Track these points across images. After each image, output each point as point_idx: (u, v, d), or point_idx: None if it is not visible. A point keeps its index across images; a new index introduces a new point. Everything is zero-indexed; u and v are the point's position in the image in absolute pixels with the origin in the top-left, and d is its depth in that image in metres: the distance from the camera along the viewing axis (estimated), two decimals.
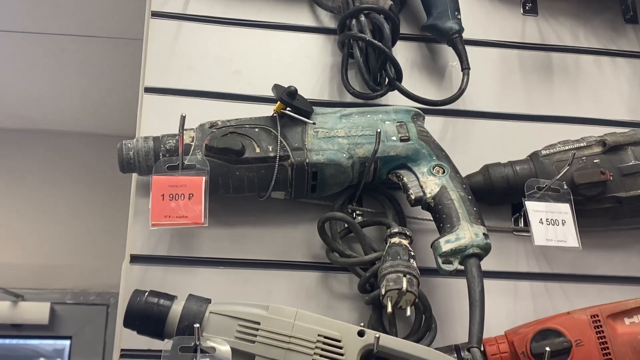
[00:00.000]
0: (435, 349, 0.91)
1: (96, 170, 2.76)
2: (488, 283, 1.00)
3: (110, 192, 2.74)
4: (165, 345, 0.79)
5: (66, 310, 2.65)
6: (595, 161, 0.99)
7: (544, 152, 1.02)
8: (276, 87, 0.96)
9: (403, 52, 1.14)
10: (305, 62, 1.12)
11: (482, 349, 0.89)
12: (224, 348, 0.77)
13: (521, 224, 1.05)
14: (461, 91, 1.07)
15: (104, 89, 2.46)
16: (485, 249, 0.89)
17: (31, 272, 2.66)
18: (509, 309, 1.01)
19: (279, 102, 0.95)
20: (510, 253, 1.05)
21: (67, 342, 2.61)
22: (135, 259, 0.96)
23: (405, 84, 1.07)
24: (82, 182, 2.76)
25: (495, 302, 1.00)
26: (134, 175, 1.00)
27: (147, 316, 0.81)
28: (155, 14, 1.10)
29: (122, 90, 2.26)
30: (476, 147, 1.10)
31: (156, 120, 1.03)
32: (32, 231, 2.71)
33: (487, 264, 0.97)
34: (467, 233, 0.88)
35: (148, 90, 1.05)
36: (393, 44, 1.06)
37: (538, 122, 1.13)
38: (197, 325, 0.76)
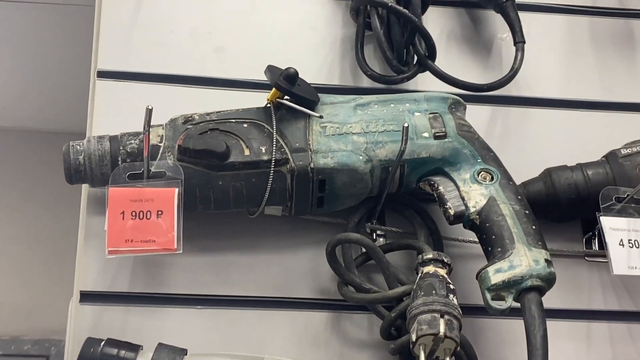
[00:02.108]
0: None
1: (36, 175, 2.79)
2: (552, 324, 1.01)
3: (54, 207, 2.78)
4: None
5: None
6: None
7: (624, 152, 1.04)
8: (270, 70, 0.97)
9: (437, 21, 1.17)
10: (309, 35, 1.15)
11: None
12: None
13: (595, 247, 1.07)
14: (514, 72, 1.10)
15: (46, 71, 2.48)
16: (549, 280, 0.90)
17: None
18: (580, 358, 1.03)
19: (274, 89, 0.96)
20: (581, 285, 1.07)
21: None
22: (86, 297, 0.98)
23: (441, 62, 1.09)
24: (16, 193, 2.80)
25: (562, 349, 1.02)
26: (85, 187, 1.01)
27: None
28: None
29: (70, 70, 2.30)
30: (535, 145, 1.13)
31: (113, 113, 1.06)
32: None
33: (551, 300, 0.98)
34: (524, 259, 0.89)
35: (102, 74, 1.08)
36: (424, 10, 1.09)
37: (617, 112, 1.16)
38: None
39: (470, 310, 0.96)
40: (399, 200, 1.03)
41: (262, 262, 1.02)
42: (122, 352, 0.84)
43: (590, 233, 1.07)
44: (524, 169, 1.06)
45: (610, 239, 0.97)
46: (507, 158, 1.02)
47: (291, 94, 0.96)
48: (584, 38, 1.20)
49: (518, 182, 1.04)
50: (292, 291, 1.01)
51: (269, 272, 1.02)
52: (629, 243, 0.97)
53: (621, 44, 1.20)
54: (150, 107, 0.88)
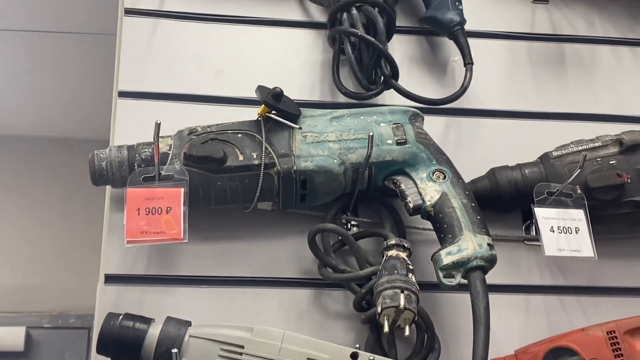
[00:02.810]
0: None
1: (71, 179, 2.78)
2: (497, 297, 1.03)
3: (87, 203, 2.77)
4: None
5: (43, 335, 2.69)
6: (611, 162, 1.01)
7: (555, 154, 1.04)
8: (260, 89, 0.98)
9: (400, 47, 1.16)
10: (294, 59, 1.14)
11: None
12: None
13: (533, 233, 1.06)
14: (463, 89, 1.09)
15: (75, 89, 2.48)
16: (491, 261, 0.91)
17: (3, 294, 2.69)
18: (520, 326, 1.03)
19: (263, 105, 0.97)
20: (521, 264, 1.07)
21: None
22: (110, 279, 0.99)
23: (403, 81, 1.09)
24: (56, 194, 2.79)
25: (506, 318, 1.03)
26: (108, 188, 1.02)
27: (121, 341, 0.83)
28: (129, 12, 1.12)
29: (96, 90, 2.30)
30: (482, 149, 1.12)
31: (131, 127, 1.06)
32: (2, 250, 2.73)
33: (496, 277, 0.99)
34: (470, 244, 0.90)
35: (122, 94, 1.08)
36: (388, 38, 1.09)
37: (550, 120, 1.16)
38: (175, 350, 0.79)
39: (429, 286, 0.97)
40: (369, 196, 1.03)
41: (255, 248, 1.02)
42: (137, 325, 0.85)
43: (529, 221, 1.07)
44: (473, 169, 1.06)
45: (543, 227, 0.97)
46: (459, 160, 1.03)
47: (277, 109, 0.97)
48: (523, 59, 1.19)
49: (468, 180, 1.04)
50: (280, 272, 1.02)
51: (260, 256, 1.02)
52: (558, 229, 0.98)
53: (554, 63, 1.19)
54: (158, 122, 0.90)
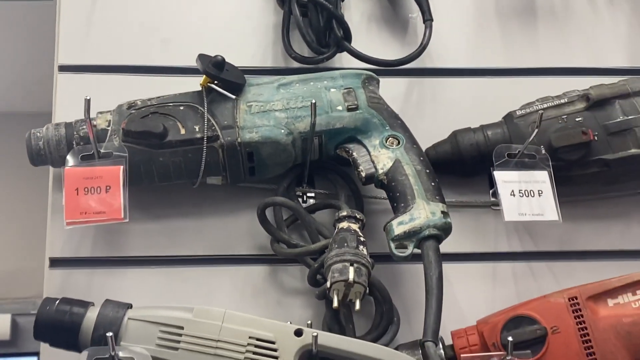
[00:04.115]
0: (398, 345, 0.97)
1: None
2: (463, 266, 1.07)
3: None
4: (81, 357, 0.85)
5: (30, 322, 2.73)
6: (577, 119, 1.04)
7: (519, 113, 1.06)
8: (201, 58, 1.00)
9: (358, 5, 1.18)
10: (245, 23, 1.17)
11: (447, 342, 0.95)
12: (144, 357, 0.83)
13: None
14: (422, 47, 1.11)
15: (15, 60, 2.48)
16: (445, 229, 0.94)
17: None
18: (487, 295, 1.07)
19: (204, 76, 1.00)
20: (488, 231, 1.10)
21: None
22: (55, 262, 1.03)
23: (362, 42, 1.12)
24: (25, 170, 2.83)
25: (472, 288, 1.07)
26: (50, 168, 1.05)
27: (58, 326, 0.87)
28: None
29: (38, 61, 2.30)
30: (446, 111, 1.15)
31: (74, 102, 1.07)
32: None
33: (462, 245, 1.04)
34: (422, 212, 0.93)
35: (63, 68, 1.11)
36: None
37: (520, 77, 1.18)
38: (110, 333, 0.82)
39: (387, 258, 0.98)
40: (324, 166, 1.06)
41: (207, 225, 1.06)
42: (74, 309, 0.88)
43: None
44: (438, 132, 1.09)
45: (503, 190, 1.00)
46: (422, 123, 1.07)
47: (218, 79, 1.00)
48: (489, 12, 1.20)
49: (433, 142, 1.07)
50: (234, 249, 1.06)
51: (212, 233, 1.06)
52: (520, 193, 1.00)
53: (524, 15, 1.20)
54: (88, 98, 0.93)
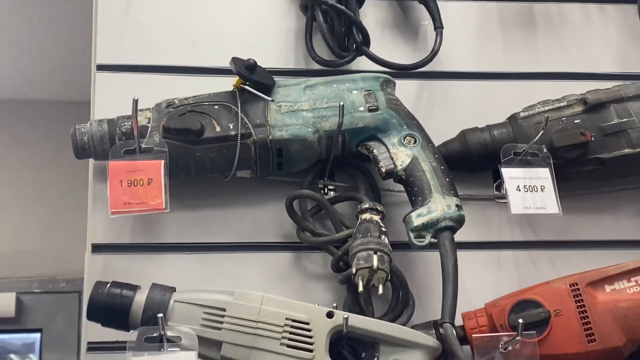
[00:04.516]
0: (413, 325, 1.02)
1: (60, 144, 2.83)
2: (470, 254, 1.11)
3: (74, 169, 2.82)
4: (130, 336, 0.89)
5: (34, 300, 2.75)
6: (576, 121, 1.08)
7: (522, 114, 1.11)
8: (234, 60, 1.04)
9: (373, 12, 1.22)
10: (268, 27, 1.20)
11: (457, 323, 1.00)
12: (190, 336, 0.87)
13: (503, 191, 1.11)
14: (434, 53, 1.15)
15: (62, 53, 2.50)
16: (459, 221, 0.98)
17: None
18: (492, 281, 1.11)
19: (237, 77, 1.03)
20: (492, 222, 1.14)
21: (37, 336, 2.72)
22: (97, 248, 1.06)
23: (376, 47, 1.15)
24: (44, 160, 2.83)
25: (478, 274, 1.11)
26: (91, 160, 1.08)
27: (110, 308, 0.91)
28: None
29: (79, 54, 2.31)
30: (454, 111, 1.18)
31: (111, 99, 1.12)
32: None
33: (469, 235, 1.07)
34: (439, 205, 0.98)
35: (100, 68, 1.14)
36: (360, 4, 1.15)
37: (521, 80, 1.22)
38: (161, 314, 0.86)
39: (402, 246, 1.03)
40: (345, 161, 1.10)
41: (236, 215, 1.10)
42: (124, 292, 0.92)
43: (499, 180, 1.12)
44: (446, 130, 1.13)
45: (509, 186, 1.04)
46: (431, 122, 1.10)
47: (251, 81, 1.03)
48: (493, 21, 1.24)
49: (442, 140, 1.11)
50: (261, 237, 1.09)
51: (241, 222, 1.09)
52: (525, 188, 1.05)
53: (524, 24, 1.25)
54: (136, 98, 0.96)
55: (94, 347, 1.02)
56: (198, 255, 1.08)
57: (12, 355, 2.78)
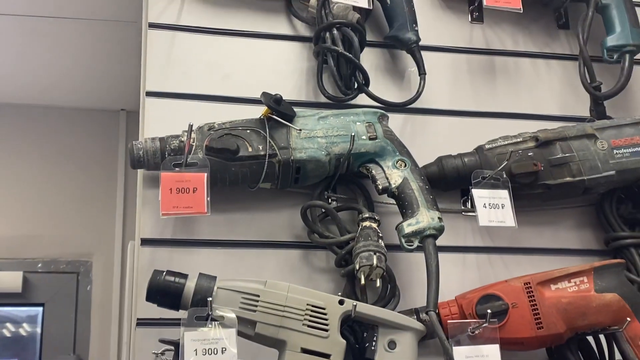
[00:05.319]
0: (398, 312, 1.10)
1: (65, 140, 2.84)
2: (441, 256, 1.18)
3: (77, 163, 2.83)
4: (182, 315, 0.95)
5: (38, 278, 2.75)
6: (529, 154, 1.18)
7: (487, 146, 1.20)
8: (264, 95, 1.11)
9: (368, 57, 1.30)
10: (285, 66, 1.27)
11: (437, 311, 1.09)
12: (231, 316, 0.94)
13: (468, 206, 1.23)
14: (419, 94, 1.24)
15: (92, 67, 2.51)
16: (440, 230, 1.08)
17: (4, 242, 2.75)
18: (458, 278, 1.20)
19: (266, 108, 1.11)
20: (459, 230, 1.23)
21: (40, 309, 2.73)
22: (145, 241, 1.12)
23: (371, 85, 1.22)
24: (49, 152, 2.84)
25: (447, 273, 1.18)
26: (140, 171, 1.14)
27: (165, 292, 0.97)
28: (152, 25, 1.23)
29: (110, 68, 2.34)
30: (431, 140, 1.27)
31: (157, 120, 1.18)
32: (3, 203, 2.79)
33: (439, 240, 1.15)
34: (425, 217, 1.07)
35: (149, 94, 1.20)
36: (361, 50, 1.22)
37: (483, 118, 1.32)
38: (210, 298, 0.93)
39: (390, 247, 1.11)
40: (346, 178, 1.18)
41: (258, 218, 1.17)
42: (177, 279, 0.98)
43: (465, 197, 1.24)
44: (424, 156, 1.21)
45: (478, 203, 1.14)
46: (413, 149, 1.17)
47: (278, 112, 1.11)
48: (463, 69, 1.34)
49: (421, 164, 1.19)
50: (277, 237, 1.17)
51: (262, 224, 1.17)
52: (489, 205, 1.14)
53: (487, 72, 1.35)
54: (191, 124, 1.03)
55: (142, 322, 1.08)
56: (226, 250, 1.14)
57: (9, 324, 2.80)
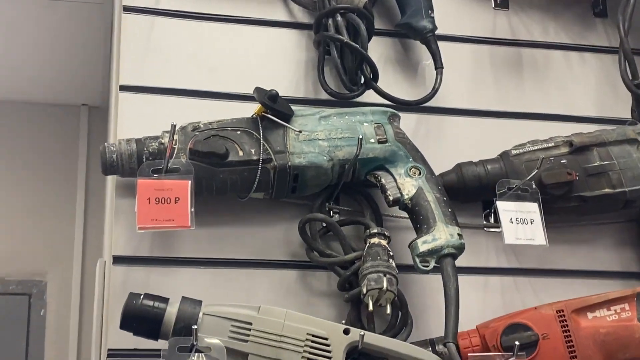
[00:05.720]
0: (411, 343, 1.10)
1: (15, 140, 2.82)
2: (460, 279, 1.19)
3: (30, 166, 2.82)
4: (163, 345, 0.96)
5: None
6: (562, 161, 1.19)
7: (514, 152, 1.21)
8: (257, 90, 1.11)
9: (377, 48, 1.30)
10: (280, 58, 1.28)
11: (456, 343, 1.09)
12: (219, 347, 0.95)
13: (491, 220, 1.24)
14: (435, 91, 1.25)
15: (49, 55, 2.51)
16: (460, 249, 1.08)
17: None
18: (479, 304, 1.21)
19: (260, 106, 1.11)
20: (480, 249, 1.24)
21: None
22: (117, 259, 1.12)
23: (380, 80, 1.23)
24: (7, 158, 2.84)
25: (467, 297, 1.16)
26: (112, 177, 1.15)
27: (143, 318, 0.97)
28: (127, 9, 1.23)
29: (71, 56, 2.32)
30: (448, 144, 1.28)
31: (132, 119, 1.18)
32: None
33: (458, 260, 1.15)
34: (442, 234, 1.07)
35: (123, 88, 1.20)
36: (369, 39, 1.23)
37: (509, 119, 1.32)
38: (195, 326, 0.93)
39: (402, 268, 1.11)
40: (351, 187, 1.18)
41: (248, 233, 1.17)
42: (156, 304, 0.98)
43: (488, 210, 1.24)
44: (441, 162, 1.21)
45: (503, 218, 1.14)
46: (427, 154, 1.18)
47: (274, 110, 1.11)
48: (485, 62, 1.34)
49: (436, 171, 1.20)
50: (271, 255, 1.17)
51: (253, 240, 1.17)
52: (516, 220, 1.14)
53: (512, 66, 1.36)
54: (174, 124, 1.03)
55: (113, 354, 1.08)
56: (212, 269, 1.14)
57: None
